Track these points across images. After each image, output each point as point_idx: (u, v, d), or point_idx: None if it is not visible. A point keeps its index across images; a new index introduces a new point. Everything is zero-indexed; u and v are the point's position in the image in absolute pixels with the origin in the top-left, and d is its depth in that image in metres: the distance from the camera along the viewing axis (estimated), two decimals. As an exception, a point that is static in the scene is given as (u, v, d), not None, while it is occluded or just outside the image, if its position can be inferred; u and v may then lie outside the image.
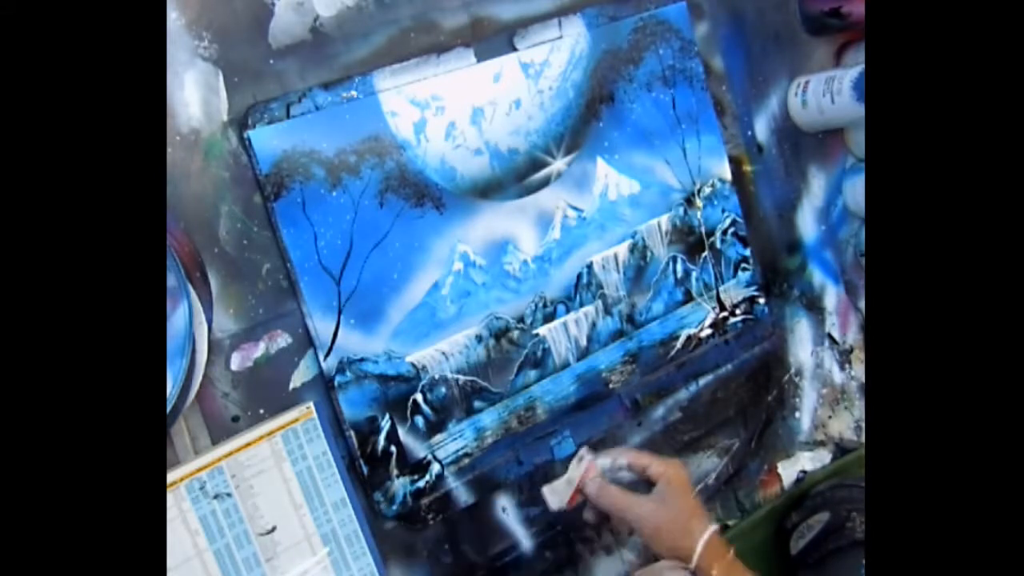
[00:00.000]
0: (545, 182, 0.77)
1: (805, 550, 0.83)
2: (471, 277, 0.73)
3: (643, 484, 0.69)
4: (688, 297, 0.84)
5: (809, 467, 0.92)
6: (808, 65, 0.92)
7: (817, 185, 0.94)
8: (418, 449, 0.71)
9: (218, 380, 0.64)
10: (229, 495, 0.62)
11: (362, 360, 0.68)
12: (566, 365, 0.78)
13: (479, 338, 0.74)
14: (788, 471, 0.91)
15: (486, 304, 0.74)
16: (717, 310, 0.86)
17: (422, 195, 0.71)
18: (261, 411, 0.65)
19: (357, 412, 0.68)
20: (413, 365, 0.71)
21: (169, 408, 0.58)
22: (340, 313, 0.67)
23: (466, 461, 0.73)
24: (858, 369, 0.96)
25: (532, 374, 0.76)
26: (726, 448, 0.88)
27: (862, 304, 0.97)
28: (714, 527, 0.66)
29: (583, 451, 0.71)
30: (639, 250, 0.82)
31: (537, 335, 0.76)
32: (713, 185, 0.85)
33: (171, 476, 0.60)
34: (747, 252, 0.88)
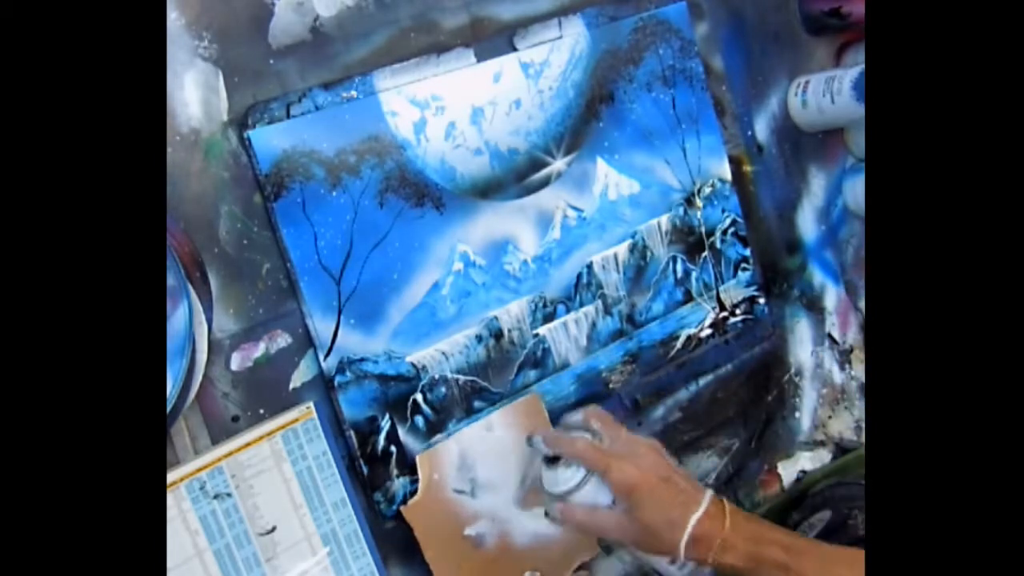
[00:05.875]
0: (545, 182, 0.77)
1: None
2: (471, 277, 0.73)
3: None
4: (688, 297, 0.84)
5: (809, 467, 0.92)
6: (808, 65, 0.92)
7: (817, 185, 0.94)
8: (418, 449, 0.71)
9: (218, 380, 0.64)
10: (229, 495, 0.62)
11: (362, 360, 0.68)
12: (566, 365, 0.78)
13: (479, 338, 0.74)
14: (788, 471, 0.91)
15: (486, 304, 0.74)
16: (717, 310, 0.86)
17: (422, 195, 0.71)
18: (261, 411, 0.65)
19: (357, 412, 0.68)
20: (413, 365, 0.71)
21: (169, 408, 0.58)
22: (340, 313, 0.67)
23: (466, 461, 0.73)
24: (858, 369, 0.96)
25: (532, 374, 0.76)
26: (726, 448, 0.88)
27: (862, 304, 0.97)
28: (698, 512, 0.61)
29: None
30: (639, 250, 0.82)
31: (537, 335, 0.76)
32: (713, 185, 0.85)
33: (171, 476, 0.60)
34: (747, 252, 0.88)
